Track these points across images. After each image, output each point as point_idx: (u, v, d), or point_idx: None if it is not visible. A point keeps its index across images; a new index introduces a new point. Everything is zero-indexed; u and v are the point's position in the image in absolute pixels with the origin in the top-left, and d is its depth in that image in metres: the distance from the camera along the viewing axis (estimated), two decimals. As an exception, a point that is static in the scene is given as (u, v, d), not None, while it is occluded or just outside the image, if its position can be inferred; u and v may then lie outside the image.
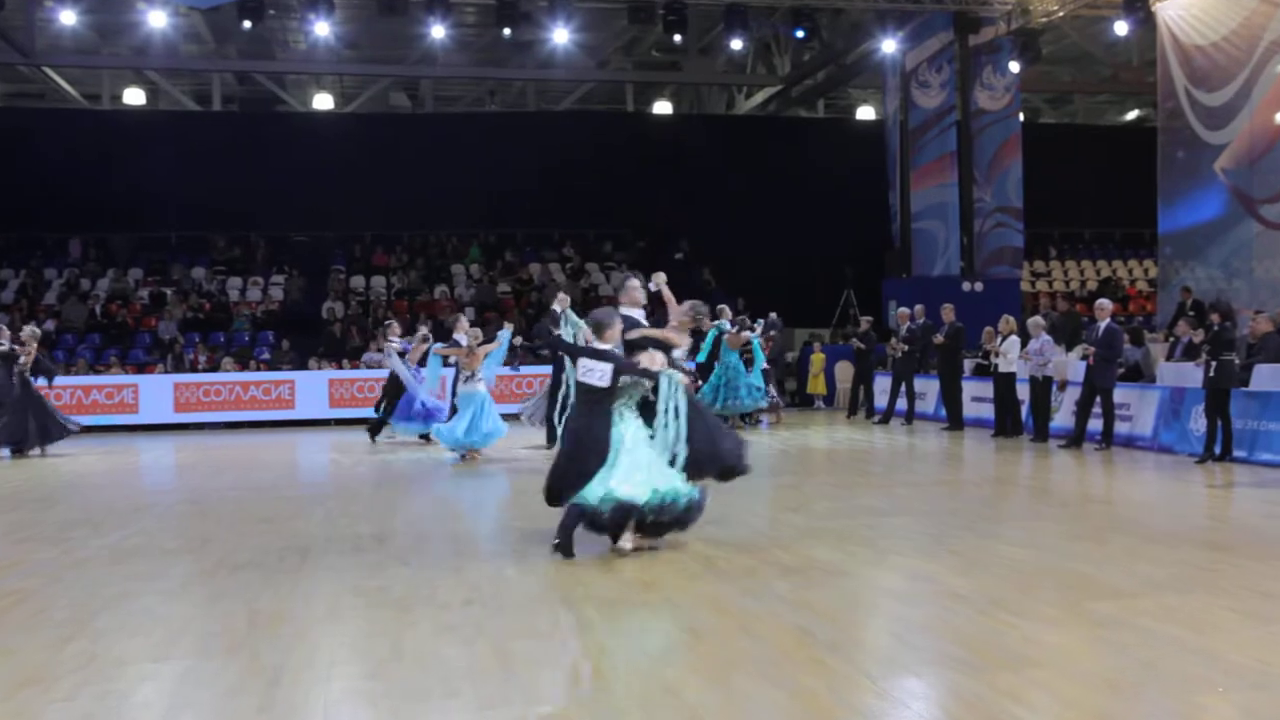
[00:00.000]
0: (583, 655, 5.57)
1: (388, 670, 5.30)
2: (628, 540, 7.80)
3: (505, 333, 15.69)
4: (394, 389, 17.51)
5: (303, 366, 23.10)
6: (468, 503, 10.85)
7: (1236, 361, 13.25)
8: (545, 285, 28.02)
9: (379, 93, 31.77)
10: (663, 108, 33.77)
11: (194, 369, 23.06)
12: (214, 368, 23.03)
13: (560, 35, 23.71)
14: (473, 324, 17.08)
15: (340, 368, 23.00)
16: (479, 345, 15.18)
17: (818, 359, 24.76)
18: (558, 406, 12.26)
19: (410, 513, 10.32)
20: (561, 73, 29.12)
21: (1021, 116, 27.21)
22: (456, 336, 15.69)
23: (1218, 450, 12.92)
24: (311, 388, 22.10)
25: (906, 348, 18.99)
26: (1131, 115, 36.14)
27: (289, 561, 7.93)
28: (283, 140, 29.00)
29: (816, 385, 24.78)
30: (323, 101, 31.62)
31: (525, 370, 21.09)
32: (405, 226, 29.84)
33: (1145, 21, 22.24)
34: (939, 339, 18.26)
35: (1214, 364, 12.73)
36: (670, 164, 30.29)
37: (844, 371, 24.12)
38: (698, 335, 15.06)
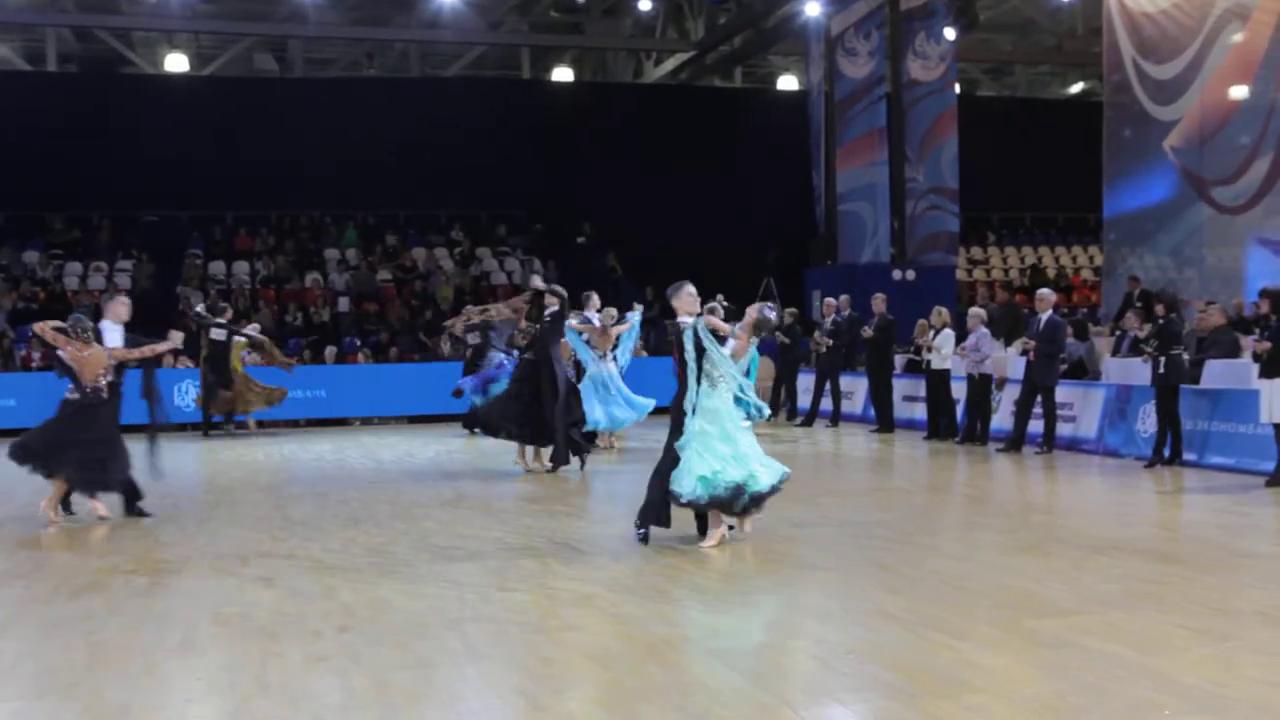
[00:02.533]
0: (473, 688, 5.53)
1: (252, 708, 5.21)
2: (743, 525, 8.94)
3: (636, 314, 16.14)
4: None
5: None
6: (346, 514, 10.72)
7: (1186, 357, 13.58)
8: (431, 273, 27.84)
9: (241, 54, 31.25)
10: (563, 75, 33.72)
11: (26, 367, 22.47)
12: (48, 366, 22.43)
13: (448, -9, 23.57)
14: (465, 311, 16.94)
15: (198, 365, 22.55)
16: (612, 326, 15.87)
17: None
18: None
19: (278, 526, 10.16)
20: (449, 34, 28.95)
21: (957, 89, 27.60)
22: (588, 314, 16.09)
23: (1167, 453, 13.24)
24: (163, 388, 21.60)
25: (832, 342, 19.16)
26: (1076, 88, 36.94)
27: (136, 585, 7.77)
28: (130, 106, 28.40)
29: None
30: (176, 63, 31.02)
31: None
32: (272, 205, 29.40)
33: (1090, -14, 22.74)
34: (867, 332, 18.46)
35: (1161, 360, 13.04)
36: (571, 138, 30.26)
37: (763, 369, 24.26)
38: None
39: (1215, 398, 13.38)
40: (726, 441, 8.74)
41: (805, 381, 20.72)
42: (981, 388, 16.06)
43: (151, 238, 28.51)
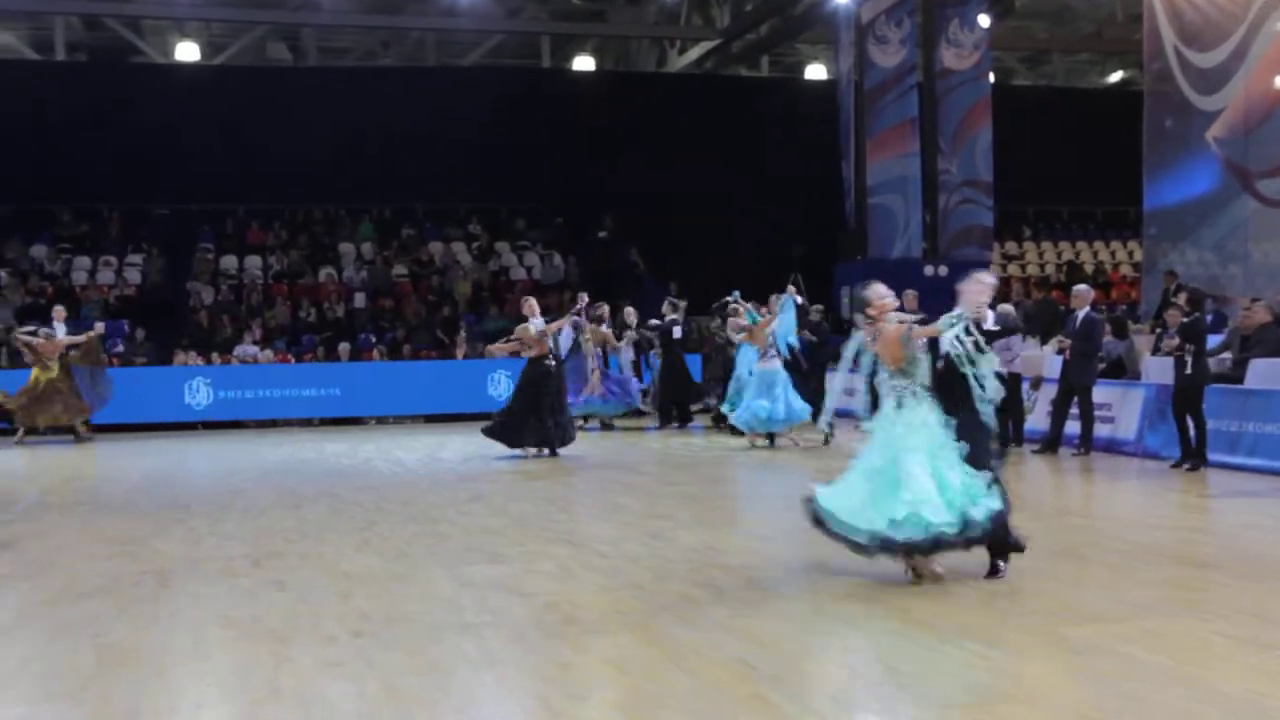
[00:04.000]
0: (489, 694, 5.55)
1: (262, 712, 5.23)
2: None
3: (788, 298, 16.64)
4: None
5: (163, 360, 22.72)
6: (360, 516, 10.75)
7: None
8: (448, 268, 27.89)
9: (253, 42, 31.36)
10: (584, 64, 33.73)
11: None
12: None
13: (466, -22, 23.61)
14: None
15: (209, 362, 22.68)
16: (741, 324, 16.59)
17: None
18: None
19: (291, 528, 10.20)
20: (467, 22, 28.98)
21: (992, 78, 27.52)
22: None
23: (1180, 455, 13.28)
24: (172, 385, 21.74)
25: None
26: (1115, 77, 36.77)
27: (145, 588, 7.81)
28: (140, 96, 28.52)
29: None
30: (187, 51, 31.15)
31: None
32: (285, 199, 29.51)
33: (1130, -29, 22.63)
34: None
35: (1189, 359, 12.99)
36: (592, 129, 30.26)
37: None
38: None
39: (1265, 398, 13.31)
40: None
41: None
42: (1012, 387, 15.96)
43: (162, 231, 28.64)
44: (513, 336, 16.18)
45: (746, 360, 16.72)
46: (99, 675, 5.83)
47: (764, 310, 17.04)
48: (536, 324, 16.60)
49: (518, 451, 15.62)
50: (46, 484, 14.10)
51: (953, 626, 6.44)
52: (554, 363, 16.00)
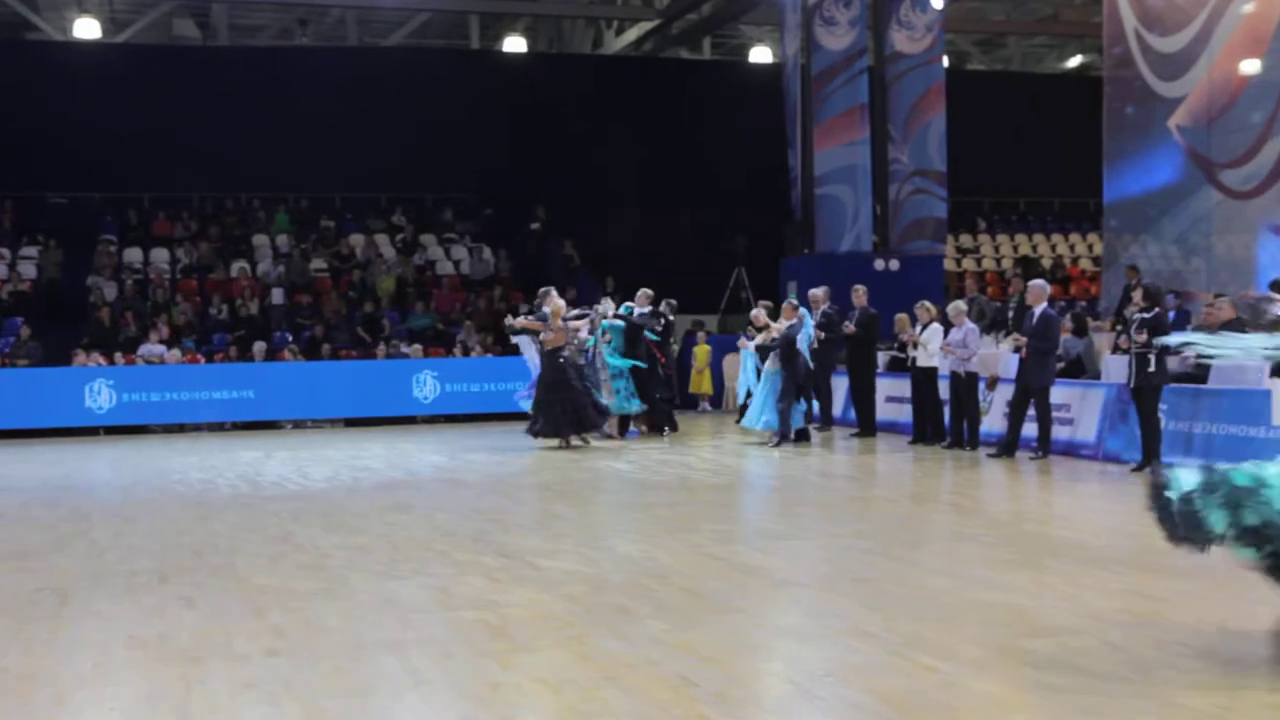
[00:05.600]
0: (414, 716, 5.54)
1: (169, 739, 5.19)
2: None
3: (808, 320, 17.31)
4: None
5: (62, 361, 22.37)
6: (275, 526, 10.68)
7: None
8: (370, 262, 27.75)
9: (159, 19, 31.04)
10: (515, 45, 33.66)
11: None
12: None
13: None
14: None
15: (112, 363, 22.42)
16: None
17: (702, 351, 24.95)
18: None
19: (200, 540, 10.12)
20: (390, -1, 28.84)
21: (945, 62, 27.76)
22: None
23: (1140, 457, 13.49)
24: (71, 387, 21.47)
25: (823, 335, 18.89)
26: (1074, 62, 37.20)
27: (43, 606, 7.72)
28: (35, 76, 28.18)
29: (701, 383, 24.96)
30: (86, 28, 30.76)
31: None
32: (194, 187, 29.23)
33: (1089, -49, 22.90)
34: (849, 327, 18.49)
35: (1152, 357, 13.17)
36: (524, 114, 30.22)
37: (733, 366, 24.35)
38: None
39: (1225, 398, 13.52)
40: None
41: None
42: (968, 387, 16.14)
43: (60, 222, 28.27)
44: (537, 316, 17.53)
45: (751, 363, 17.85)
46: (-8, 700, 5.76)
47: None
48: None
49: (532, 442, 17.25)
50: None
51: (902, 639, 6.49)
52: (569, 352, 17.24)
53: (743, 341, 18.25)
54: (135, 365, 22.38)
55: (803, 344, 17.05)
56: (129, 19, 31.06)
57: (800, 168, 26.47)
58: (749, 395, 17.93)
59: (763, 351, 17.39)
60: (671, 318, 20.06)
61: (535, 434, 17.42)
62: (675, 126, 30.56)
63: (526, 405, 18.75)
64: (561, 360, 17.17)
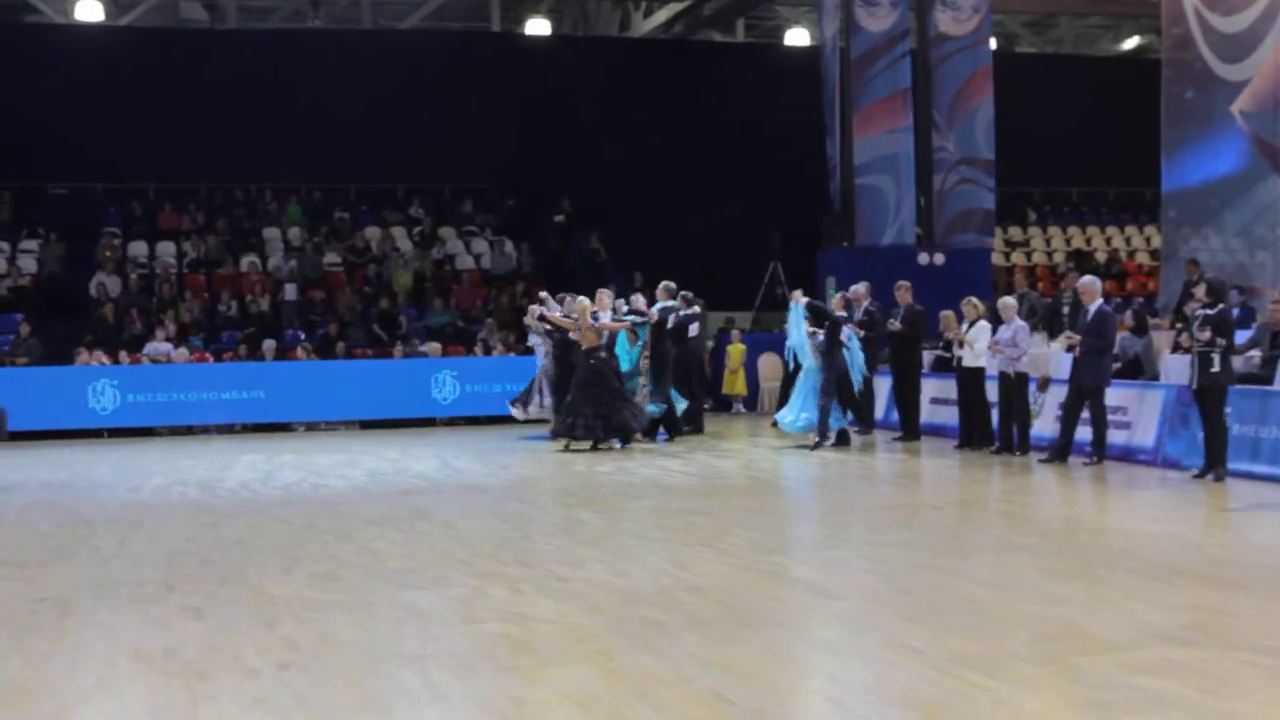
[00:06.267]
0: (434, 733, 5.55)
1: (177, 757, 5.21)
2: None
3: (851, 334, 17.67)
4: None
5: (59, 359, 22.45)
6: (287, 533, 10.71)
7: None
8: (386, 256, 27.82)
9: (165, 1, 31.18)
10: (539, 28, 33.73)
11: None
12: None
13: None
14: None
15: (116, 362, 22.53)
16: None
17: (736, 351, 24.93)
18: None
19: (209, 548, 10.16)
20: (406, -21, 28.91)
21: (993, 44, 27.66)
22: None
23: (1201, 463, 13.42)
24: (74, 387, 21.58)
25: (865, 333, 18.83)
26: (1130, 44, 37.03)
27: (45, 617, 7.75)
28: (35, 61, 28.36)
29: (735, 384, 24.95)
30: (89, 10, 30.96)
31: None
32: (202, 177, 29.38)
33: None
34: (895, 325, 18.43)
35: (1215, 356, 13.08)
36: (548, 101, 30.25)
37: (769, 366, 24.33)
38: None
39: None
40: None
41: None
42: (1018, 388, 16.07)
43: (61, 214, 28.44)
44: (570, 313, 17.79)
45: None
46: (-8, 715, 5.79)
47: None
48: (605, 318, 17.73)
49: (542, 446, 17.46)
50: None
51: (948, 654, 6.46)
52: (605, 354, 17.43)
53: (796, 295, 17.94)
54: (140, 364, 22.44)
55: (846, 335, 17.22)
56: (133, 1, 31.20)
57: (839, 156, 26.39)
58: (794, 372, 17.88)
59: (818, 318, 17.21)
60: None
61: (553, 434, 17.72)
62: (707, 113, 30.55)
63: (515, 411, 18.94)
64: (593, 361, 17.31)
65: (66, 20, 30.81)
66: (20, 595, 8.40)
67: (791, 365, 18.09)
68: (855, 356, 17.66)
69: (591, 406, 17.18)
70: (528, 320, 19.35)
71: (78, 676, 6.42)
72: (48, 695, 6.10)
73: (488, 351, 23.91)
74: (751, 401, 25.05)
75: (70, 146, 27.78)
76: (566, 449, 17.23)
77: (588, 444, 17.29)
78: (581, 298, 17.93)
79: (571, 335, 17.73)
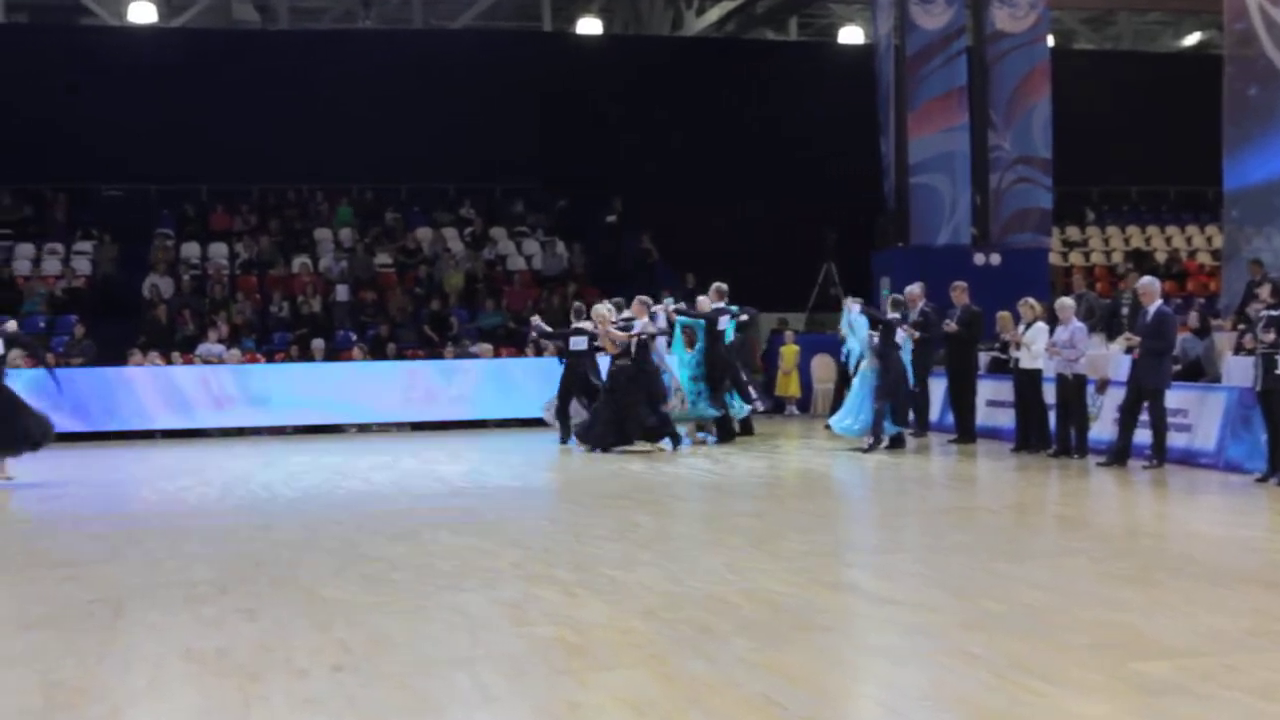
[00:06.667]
0: (486, 736, 5.57)
1: (229, 758, 5.25)
2: None
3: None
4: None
5: (113, 360, 22.63)
6: (338, 535, 10.77)
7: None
8: (437, 257, 27.92)
9: (217, 2, 31.43)
10: (590, 27, 33.78)
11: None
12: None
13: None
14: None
15: (169, 362, 22.71)
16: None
17: (790, 352, 24.87)
18: None
19: (261, 549, 10.23)
20: (458, -22, 29.01)
21: (1051, 41, 27.47)
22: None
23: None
24: (125, 388, 21.77)
25: (919, 334, 18.72)
26: (1191, 40, 36.71)
27: (98, 618, 7.82)
28: (88, 63, 28.61)
29: (788, 385, 24.90)
30: (142, 12, 31.24)
31: None
32: (254, 178, 29.56)
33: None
34: (951, 326, 18.34)
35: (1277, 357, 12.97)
36: (599, 100, 30.28)
37: (823, 368, 24.27)
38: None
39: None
40: None
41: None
42: (1075, 390, 15.98)
43: (114, 215, 28.68)
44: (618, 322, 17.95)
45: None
46: (49, 714, 5.84)
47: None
48: (639, 325, 17.65)
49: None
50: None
51: (1008, 659, 6.43)
52: (631, 361, 17.34)
53: (849, 302, 17.97)
54: (193, 365, 22.58)
55: (901, 338, 17.21)
56: (185, 2, 31.47)
57: (894, 155, 26.28)
58: (853, 370, 17.86)
59: (874, 322, 17.24)
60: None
61: (578, 436, 17.92)
62: (759, 112, 30.48)
63: (549, 416, 19.08)
64: (615, 368, 17.48)
65: (120, 22, 31.09)
66: (74, 596, 8.47)
67: (852, 368, 18.01)
68: (905, 358, 17.59)
69: (609, 411, 17.41)
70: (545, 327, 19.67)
71: (130, 677, 6.47)
72: (100, 696, 6.15)
73: (539, 353, 23.91)
74: (805, 403, 24.99)
75: (123, 148, 28.00)
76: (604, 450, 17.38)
77: (636, 446, 17.44)
78: (599, 306, 18.15)
79: (599, 342, 17.95)
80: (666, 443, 17.56)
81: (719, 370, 18.82)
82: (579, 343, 18.69)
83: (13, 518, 12.61)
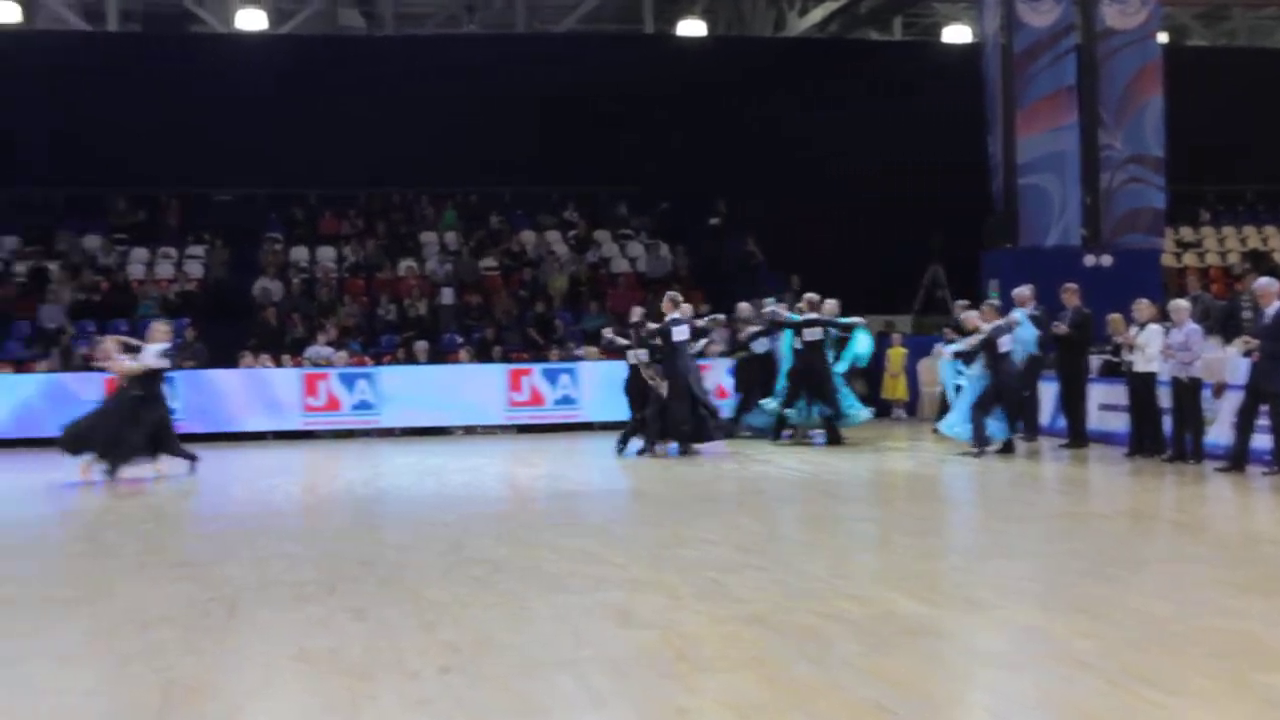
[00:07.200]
0: (593, 738, 5.59)
1: (341, 757, 5.31)
2: None
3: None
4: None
5: (224, 363, 22.97)
6: (445, 537, 10.85)
7: None
8: (542, 259, 28.06)
9: (324, 9, 31.87)
10: (693, 29, 33.77)
11: (88, 366, 23.10)
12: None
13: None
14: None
15: (279, 364, 23.02)
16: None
17: (897, 355, 24.74)
18: None
19: (369, 550, 10.34)
20: (561, -17, 29.16)
21: (1163, 38, 27.07)
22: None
23: None
24: (226, 390, 22.11)
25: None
26: (1306, 36, 35.99)
27: (214, 617, 7.94)
28: (199, 71, 29.04)
29: (895, 388, 24.77)
30: (251, 20, 31.71)
31: None
32: (360, 183, 29.90)
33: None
34: (1061, 328, 18.15)
35: None
36: (702, 102, 30.26)
37: (928, 371, 24.09)
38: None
39: None
40: None
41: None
42: (1191, 394, 15.74)
43: (225, 219, 29.17)
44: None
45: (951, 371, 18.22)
46: (164, 713, 5.94)
47: None
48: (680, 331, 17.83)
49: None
50: (101, 499, 14.42)
51: (1124, 668, 6.34)
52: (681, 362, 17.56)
53: (938, 349, 18.04)
54: (302, 368, 22.85)
55: (1008, 345, 16.91)
56: (293, 9, 31.93)
57: (1002, 155, 26.02)
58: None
59: (967, 358, 17.19)
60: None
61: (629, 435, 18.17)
62: (864, 113, 30.30)
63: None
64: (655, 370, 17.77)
65: (229, 29, 31.56)
66: (192, 595, 8.60)
67: (963, 372, 17.90)
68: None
69: (657, 411, 17.64)
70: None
71: (244, 676, 6.57)
72: (215, 694, 6.26)
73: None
74: (911, 407, 24.83)
75: (234, 154, 28.43)
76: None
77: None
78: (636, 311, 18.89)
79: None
80: (673, 448, 17.67)
81: (813, 378, 18.80)
82: (680, 332, 18.19)
83: (133, 516, 12.84)
